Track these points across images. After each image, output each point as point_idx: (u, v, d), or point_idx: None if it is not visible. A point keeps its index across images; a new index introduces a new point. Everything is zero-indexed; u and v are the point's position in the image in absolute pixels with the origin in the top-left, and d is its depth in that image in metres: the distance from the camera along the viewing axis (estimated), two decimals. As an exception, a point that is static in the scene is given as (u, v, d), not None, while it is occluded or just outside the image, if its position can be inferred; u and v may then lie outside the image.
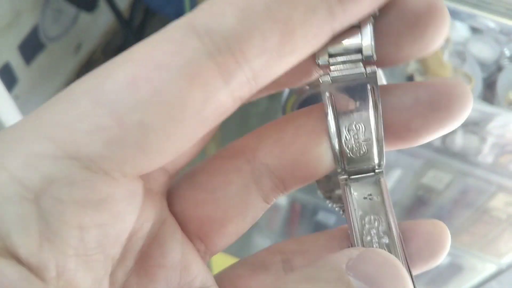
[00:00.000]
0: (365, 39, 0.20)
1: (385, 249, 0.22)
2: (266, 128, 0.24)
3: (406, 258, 0.22)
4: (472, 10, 0.70)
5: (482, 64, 0.95)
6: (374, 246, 0.22)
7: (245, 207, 0.23)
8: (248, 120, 1.35)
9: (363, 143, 0.22)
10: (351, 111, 0.22)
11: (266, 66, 0.18)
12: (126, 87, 0.16)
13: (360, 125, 0.22)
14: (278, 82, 0.20)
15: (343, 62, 0.21)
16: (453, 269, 1.28)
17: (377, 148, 0.22)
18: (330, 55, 0.20)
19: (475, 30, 0.95)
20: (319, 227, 1.37)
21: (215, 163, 0.24)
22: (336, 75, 0.21)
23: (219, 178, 0.23)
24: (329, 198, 0.36)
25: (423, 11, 0.19)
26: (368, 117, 0.22)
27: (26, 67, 1.42)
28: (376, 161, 0.23)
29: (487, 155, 0.97)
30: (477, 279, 1.26)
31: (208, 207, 0.23)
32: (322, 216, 1.31)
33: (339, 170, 0.23)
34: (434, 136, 0.21)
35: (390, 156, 1.09)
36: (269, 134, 0.23)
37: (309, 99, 0.48)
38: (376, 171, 0.23)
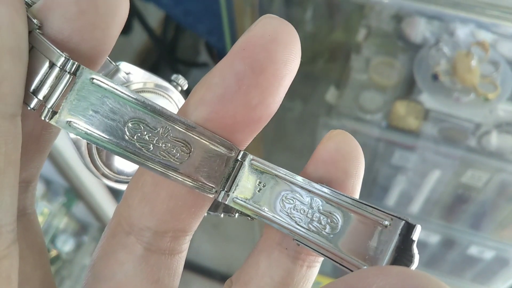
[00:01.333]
0: (46, 51, 0.18)
1: (332, 207, 0.20)
2: (130, 189, 0.22)
3: (346, 196, 0.20)
4: (495, 20, 0.72)
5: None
6: (322, 219, 0.20)
7: (153, 273, 0.22)
8: (284, 126, 1.38)
9: (178, 143, 0.20)
10: (107, 121, 0.19)
11: None
12: None
13: (136, 121, 0.19)
14: None
15: (52, 87, 0.18)
16: (499, 262, 1.28)
17: (194, 135, 0.20)
18: (34, 92, 0.18)
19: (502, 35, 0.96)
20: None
21: (104, 248, 0.22)
22: (54, 101, 0.18)
23: (112, 262, 0.21)
24: (216, 210, 0.33)
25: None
26: (125, 104, 0.19)
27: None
28: (223, 150, 0.20)
29: (523, 153, 0.98)
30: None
31: None
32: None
33: (211, 195, 0.21)
34: (283, 88, 0.19)
35: (428, 158, 1.10)
36: (133, 195, 0.21)
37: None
38: (238, 158, 0.21)
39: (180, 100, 0.34)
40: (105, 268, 0.21)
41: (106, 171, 0.32)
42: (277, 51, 0.18)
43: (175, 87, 0.34)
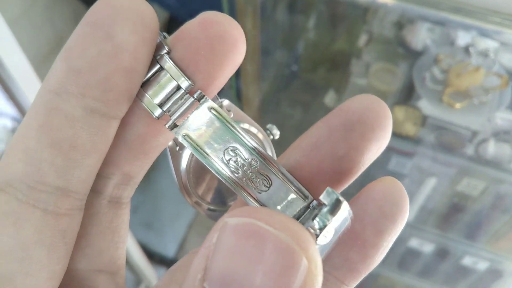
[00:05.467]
0: (175, 75, 0.22)
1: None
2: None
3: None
4: (498, 27, 0.72)
5: (511, 73, 0.96)
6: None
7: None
8: (284, 133, 1.38)
9: (261, 176, 0.23)
10: (214, 140, 0.23)
11: (73, 175, 0.20)
12: None
13: (234, 148, 0.23)
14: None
15: (178, 105, 0.22)
16: (493, 274, 1.28)
17: (277, 174, 0.23)
18: (160, 105, 0.22)
19: (503, 43, 0.96)
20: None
21: (184, 260, 0.26)
22: (177, 116, 0.22)
23: (182, 269, 0.25)
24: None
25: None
26: (230, 133, 0.23)
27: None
28: (298, 194, 0.23)
29: (520, 162, 0.98)
30: (518, 284, 1.25)
31: None
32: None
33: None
34: (367, 150, 0.21)
35: (425, 165, 1.10)
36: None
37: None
38: (310, 205, 0.23)
39: (269, 146, 0.39)
40: (180, 275, 0.25)
41: (200, 200, 0.38)
42: (367, 116, 0.21)
43: (268, 135, 0.39)
